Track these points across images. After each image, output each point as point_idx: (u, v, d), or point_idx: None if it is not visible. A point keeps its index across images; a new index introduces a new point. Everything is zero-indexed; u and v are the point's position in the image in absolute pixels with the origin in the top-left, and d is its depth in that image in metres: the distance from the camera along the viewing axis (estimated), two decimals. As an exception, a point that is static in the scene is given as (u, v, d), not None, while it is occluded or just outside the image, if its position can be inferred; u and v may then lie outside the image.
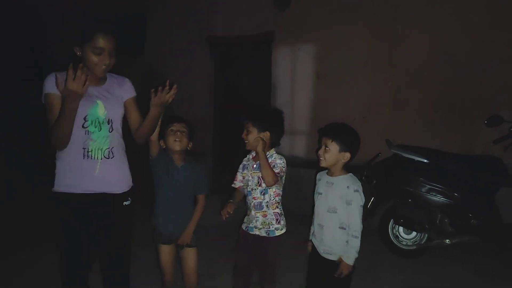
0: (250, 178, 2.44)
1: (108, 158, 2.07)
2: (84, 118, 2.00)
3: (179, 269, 2.56)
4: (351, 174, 2.26)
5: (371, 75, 4.98)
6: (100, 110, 2.05)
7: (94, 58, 1.97)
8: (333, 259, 2.21)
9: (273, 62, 5.81)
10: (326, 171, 2.33)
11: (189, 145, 2.43)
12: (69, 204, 2.04)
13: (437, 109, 4.56)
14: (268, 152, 2.40)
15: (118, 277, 2.26)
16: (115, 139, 2.12)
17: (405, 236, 3.84)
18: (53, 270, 3.00)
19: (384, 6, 4.85)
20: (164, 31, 6.94)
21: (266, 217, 2.40)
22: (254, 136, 2.36)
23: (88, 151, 2.02)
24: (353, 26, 5.06)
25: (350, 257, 2.14)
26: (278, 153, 2.46)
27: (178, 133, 2.35)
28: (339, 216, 2.19)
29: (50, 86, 1.97)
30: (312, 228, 2.37)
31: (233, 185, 2.54)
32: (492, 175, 3.56)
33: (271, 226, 2.40)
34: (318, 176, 2.39)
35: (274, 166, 2.33)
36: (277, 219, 2.42)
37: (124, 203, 2.19)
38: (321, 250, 2.26)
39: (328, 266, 2.21)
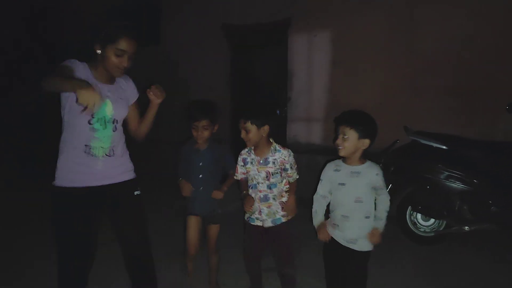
0: (257, 172, 2.48)
1: (109, 156, 2.10)
2: (92, 115, 2.00)
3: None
4: (370, 161, 2.24)
5: (388, 61, 4.91)
6: (108, 109, 2.07)
7: (115, 60, 1.99)
8: (357, 249, 2.19)
9: (290, 50, 5.79)
10: (341, 160, 2.28)
11: (215, 128, 2.60)
12: (72, 198, 2.01)
13: (456, 96, 4.49)
14: (271, 147, 2.48)
15: (143, 270, 2.28)
16: (117, 138, 2.15)
17: (423, 223, 3.83)
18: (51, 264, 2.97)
19: (402, -10, 4.76)
20: (180, 20, 6.96)
21: (270, 208, 2.47)
22: (254, 133, 2.40)
23: (90, 148, 2.03)
24: (370, 12, 4.98)
25: (382, 226, 2.18)
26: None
27: (200, 129, 2.54)
28: (365, 205, 2.18)
29: (74, 63, 1.98)
30: (330, 220, 2.32)
31: (235, 177, 2.62)
32: (513, 161, 3.50)
33: (276, 215, 2.48)
34: (332, 166, 2.31)
35: (285, 167, 2.47)
36: (282, 207, 2.49)
37: (135, 192, 2.22)
38: (345, 240, 2.22)
39: (352, 255, 2.20)
